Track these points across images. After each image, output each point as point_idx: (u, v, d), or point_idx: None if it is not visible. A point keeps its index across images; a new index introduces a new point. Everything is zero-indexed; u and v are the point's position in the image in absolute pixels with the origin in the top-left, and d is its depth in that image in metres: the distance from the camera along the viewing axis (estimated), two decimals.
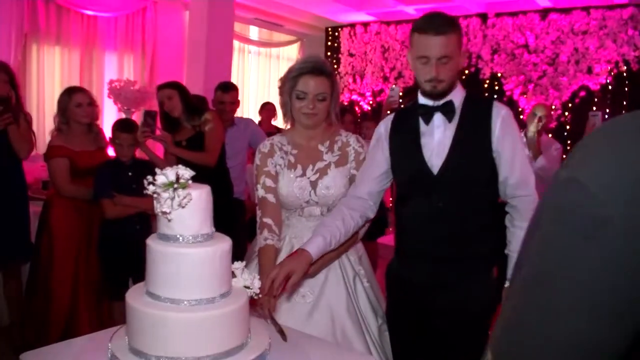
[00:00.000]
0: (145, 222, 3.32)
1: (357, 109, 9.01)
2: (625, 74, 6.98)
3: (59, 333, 3.18)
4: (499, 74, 7.88)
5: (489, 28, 7.91)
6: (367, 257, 2.35)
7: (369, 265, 2.32)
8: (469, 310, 2.01)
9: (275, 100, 6.76)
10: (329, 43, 9.64)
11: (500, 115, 1.98)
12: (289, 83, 2.16)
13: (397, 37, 8.76)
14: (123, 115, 4.34)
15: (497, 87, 7.94)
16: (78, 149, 3.35)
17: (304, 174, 2.20)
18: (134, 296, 1.35)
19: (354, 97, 9.25)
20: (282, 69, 9.47)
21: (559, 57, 7.36)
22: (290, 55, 9.61)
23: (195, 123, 3.55)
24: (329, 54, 9.66)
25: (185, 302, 1.29)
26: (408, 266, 2.11)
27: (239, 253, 3.88)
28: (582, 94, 7.24)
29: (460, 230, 1.99)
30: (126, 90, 4.22)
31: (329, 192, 2.18)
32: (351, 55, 9.32)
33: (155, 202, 1.32)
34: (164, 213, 1.28)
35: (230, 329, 1.32)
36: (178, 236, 1.32)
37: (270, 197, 2.18)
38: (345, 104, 9.39)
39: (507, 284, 1.94)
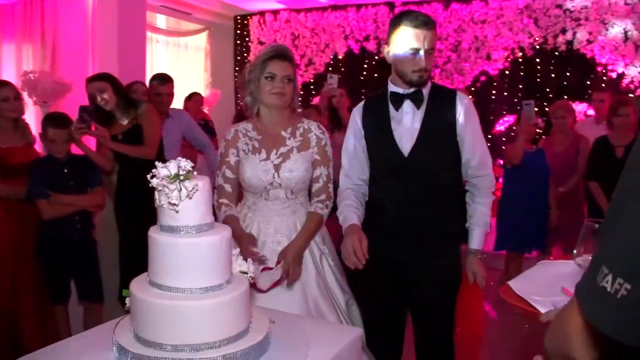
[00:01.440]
0: (86, 221, 3.20)
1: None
2: (520, 60, 7.54)
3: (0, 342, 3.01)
4: None
5: None
6: (329, 237, 2.49)
7: (332, 245, 2.47)
8: (440, 280, 2.20)
9: (185, 92, 6.68)
10: (238, 31, 9.56)
11: (463, 104, 2.19)
12: (258, 67, 2.32)
13: (307, 25, 8.87)
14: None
15: None
16: (5, 145, 3.16)
17: (267, 158, 2.34)
18: (141, 288, 1.36)
19: None
20: (191, 59, 9.31)
21: (461, 45, 7.81)
22: (199, 44, 9.42)
23: (131, 116, 3.44)
24: (238, 42, 9.59)
25: (196, 290, 1.32)
26: (379, 244, 2.21)
27: None
28: (483, 78, 7.74)
29: (430, 211, 2.17)
30: (43, 82, 3.99)
31: (292, 175, 2.32)
32: (261, 43, 9.30)
33: (158, 194, 1.33)
34: (173, 205, 1.30)
35: (238, 313, 1.37)
36: (183, 227, 1.34)
37: (228, 187, 2.38)
38: None
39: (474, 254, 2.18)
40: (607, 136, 4.36)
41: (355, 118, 2.33)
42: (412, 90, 2.17)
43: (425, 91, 2.20)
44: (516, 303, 1.38)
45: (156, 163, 1.35)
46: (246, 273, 1.52)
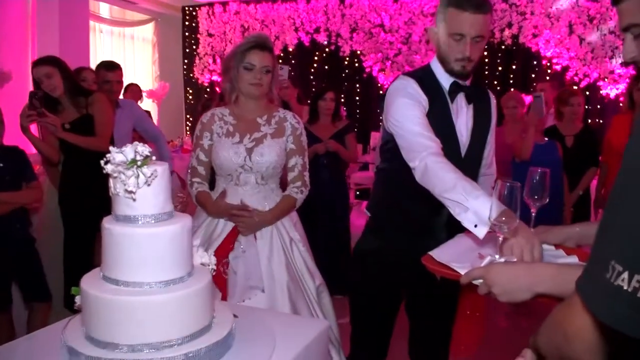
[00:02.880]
0: (24, 219, 2.96)
1: (217, 89, 8.87)
2: None
3: None
4: (358, 52, 8.23)
5: (347, 8, 8.20)
6: (301, 224, 2.49)
7: (303, 233, 2.47)
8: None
9: (132, 81, 6.44)
10: (187, 23, 9.34)
11: (493, 102, 2.10)
12: (237, 57, 2.33)
13: (257, 17, 8.75)
14: None
15: (357, 64, 8.29)
16: None
17: (240, 142, 2.36)
18: (93, 284, 1.25)
19: (215, 77, 9.09)
20: (138, 50, 9.03)
21: (411, 37, 7.86)
22: (145, 35, 9.15)
23: (81, 104, 3.24)
24: (186, 34, 9.37)
25: (156, 284, 1.23)
26: (386, 248, 2.09)
27: None
28: None
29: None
30: None
31: (263, 159, 2.33)
32: (210, 35, 9.13)
33: (113, 182, 1.23)
34: (130, 192, 1.20)
35: (200, 308, 1.28)
36: (141, 216, 1.24)
37: (201, 169, 2.42)
38: (205, 84, 9.21)
39: None
40: (556, 126, 4.46)
41: (413, 87, 1.91)
42: (468, 82, 1.96)
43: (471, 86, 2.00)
44: (438, 268, 1.41)
45: (110, 148, 1.25)
46: (207, 264, 1.44)
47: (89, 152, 3.12)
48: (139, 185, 1.20)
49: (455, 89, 1.95)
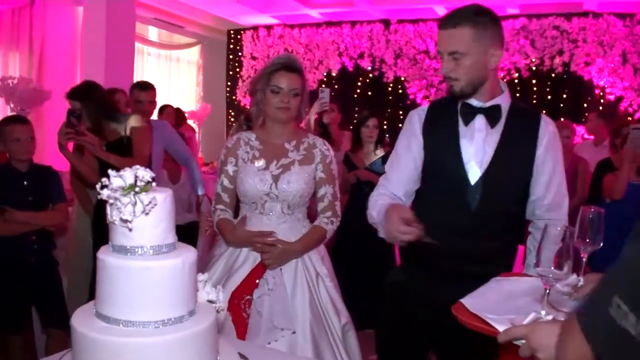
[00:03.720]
0: (45, 240, 2.86)
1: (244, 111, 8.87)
2: (516, 81, 7.42)
3: None
4: (402, 78, 8.09)
5: (391, 34, 8.11)
6: (329, 258, 2.35)
7: (331, 267, 2.32)
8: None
9: (174, 104, 6.47)
10: (231, 46, 9.43)
11: (547, 130, 1.84)
12: (264, 79, 2.22)
13: (300, 41, 8.74)
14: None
15: (400, 91, 8.15)
16: None
17: (267, 168, 2.23)
18: (83, 322, 1.14)
19: None
20: (183, 72, 9.15)
21: None
22: (191, 58, 9.28)
23: (118, 127, 3.16)
24: (231, 57, 9.46)
25: (152, 324, 1.10)
26: (413, 276, 1.94)
27: None
28: None
29: (479, 249, 1.80)
30: (21, 89, 3.78)
31: (290, 187, 2.20)
32: (254, 58, 9.17)
33: (110, 208, 1.12)
34: (125, 221, 1.09)
35: (202, 350, 1.15)
36: (138, 248, 1.13)
37: (225, 196, 2.30)
38: (248, 107, 9.24)
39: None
40: (610, 158, 4.21)
41: (414, 122, 1.94)
42: (488, 104, 1.81)
43: (504, 107, 1.83)
44: (470, 321, 1.26)
45: (109, 171, 1.14)
46: (214, 302, 1.31)
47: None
48: (135, 214, 1.09)
49: (467, 110, 1.83)
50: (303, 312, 2.11)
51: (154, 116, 4.96)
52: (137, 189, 1.11)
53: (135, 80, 7.32)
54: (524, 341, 1.06)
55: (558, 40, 7.22)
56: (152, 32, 8.44)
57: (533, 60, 7.32)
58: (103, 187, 1.12)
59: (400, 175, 1.96)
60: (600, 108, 6.89)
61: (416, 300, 1.92)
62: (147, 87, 3.93)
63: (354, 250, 4.06)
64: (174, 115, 5.89)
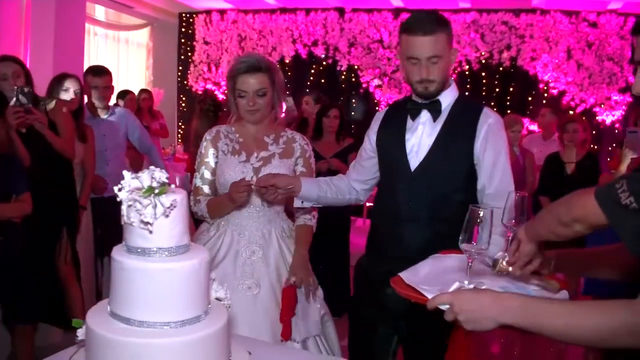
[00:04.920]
0: (10, 232, 2.70)
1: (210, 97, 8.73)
2: (467, 73, 7.64)
3: None
4: (356, 67, 8.17)
5: (346, 22, 8.15)
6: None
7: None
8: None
9: (124, 85, 6.32)
10: (183, 29, 9.22)
11: (487, 122, 1.95)
12: (229, 83, 2.25)
13: (254, 27, 8.65)
14: None
15: (354, 79, 8.23)
16: None
17: (247, 160, 2.25)
18: (100, 323, 1.13)
19: (209, 86, 8.98)
20: (132, 55, 8.89)
21: None
22: (140, 40, 9.01)
23: (40, 111, 3.02)
24: (182, 40, 9.25)
25: (172, 325, 1.12)
26: (372, 262, 2.08)
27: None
28: None
29: (431, 234, 1.93)
30: None
31: None
32: (206, 43, 9.01)
33: (127, 210, 1.12)
34: (146, 224, 1.09)
35: (219, 348, 1.18)
36: (157, 249, 1.13)
37: (206, 189, 2.29)
38: (200, 92, 9.09)
39: None
40: (559, 152, 4.43)
41: (374, 122, 2.17)
42: (430, 100, 1.97)
43: (446, 102, 1.98)
44: (406, 292, 1.41)
45: (124, 173, 1.14)
46: (222, 299, 1.33)
47: (53, 158, 3.04)
48: (156, 216, 1.10)
49: (413, 106, 2.01)
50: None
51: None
52: (156, 191, 1.11)
53: (85, 64, 7.11)
54: (448, 306, 1.19)
55: (506, 35, 7.46)
56: (99, 11, 8.13)
57: (483, 53, 7.55)
58: (120, 189, 1.12)
59: (359, 165, 2.21)
60: (544, 102, 7.20)
61: (376, 285, 2.03)
62: (102, 72, 3.79)
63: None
64: (135, 102, 5.72)
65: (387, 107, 2.22)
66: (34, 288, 2.78)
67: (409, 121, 2.03)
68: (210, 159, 2.28)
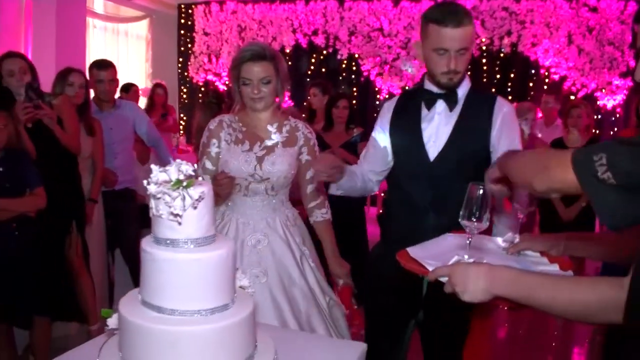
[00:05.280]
0: (25, 226, 2.79)
1: (212, 89, 8.74)
2: None
3: None
4: (356, 55, 8.17)
5: (345, 11, 8.14)
6: (310, 239, 2.41)
7: (312, 247, 2.40)
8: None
9: (123, 80, 6.32)
10: (182, 21, 9.21)
11: (502, 111, 2.00)
12: (234, 72, 2.25)
13: (254, 17, 8.64)
14: None
15: (354, 68, 8.24)
16: None
17: (250, 150, 2.26)
18: (133, 311, 1.17)
19: (210, 77, 8.98)
20: (132, 47, 8.88)
21: (410, 42, 7.82)
22: (139, 32, 9.00)
23: (46, 104, 3.06)
24: (182, 32, 9.25)
25: (202, 313, 1.15)
26: (388, 251, 2.10)
27: (130, 244, 3.55)
28: None
29: (448, 222, 1.89)
30: None
31: (274, 168, 2.25)
32: (206, 34, 9.00)
33: (156, 203, 1.15)
34: (176, 215, 1.13)
35: (246, 335, 1.22)
36: (186, 240, 1.17)
37: (207, 179, 2.25)
38: (200, 83, 9.10)
39: None
40: (563, 138, 4.46)
41: (386, 111, 2.16)
42: (445, 90, 2.00)
43: (462, 92, 2.02)
44: (409, 264, 1.46)
45: (152, 167, 1.17)
46: (245, 288, 1.36)
47: (57, 153, 3.08)
48: (184, 208, 1.13)
49: (429, 96, 2.03)
50: (294, 294, 2.19)
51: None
52: (184, 184, 1.14)
53: (86, 58, 7.10)
54: (447, 278, 1.25)
55: (507, 21, 7.45)
56: (98, 4, 8.12)
57: (483, 40, 7.54)
58: (148, 183, 1.15)
59: (372, 156, 2.19)
60: (545, 87, 7.22)
61: (394, 272, 2.05)
62: (106, 66, 3.82)
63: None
64: (138, 94, 5.73)
65: (398, 97, 2.22)
66: (48, 280, 2.83)
67: (424, 110, 2.05)
68: (212, 149, 2.30)
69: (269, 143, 2.28)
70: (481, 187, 1.47)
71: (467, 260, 1.41)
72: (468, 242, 1.50)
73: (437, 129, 2.01)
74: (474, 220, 1.45)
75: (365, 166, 2.20)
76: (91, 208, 3.44)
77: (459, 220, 1.50)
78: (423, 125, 2.04)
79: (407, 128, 2.08)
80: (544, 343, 3.99)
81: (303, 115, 4.71)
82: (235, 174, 2.22)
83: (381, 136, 2.16)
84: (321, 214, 2.38)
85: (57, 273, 2.99)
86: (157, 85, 6.23)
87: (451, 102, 2.01)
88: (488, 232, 1.92)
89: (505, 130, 1.99)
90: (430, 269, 1.36)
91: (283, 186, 2.31)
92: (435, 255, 1.49)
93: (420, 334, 2.18)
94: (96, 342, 1.36)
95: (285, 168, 2.26)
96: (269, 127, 2.31)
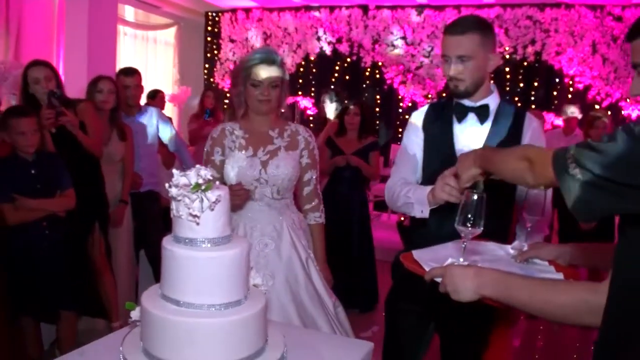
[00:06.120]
0: (55, 225, 2.93)
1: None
2: None
3: None
4: (380, 63, 8.25)
5: (370, 19, 8.23)
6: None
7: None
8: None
9: (151, 86, 6.50)
10: (209, 28, 9.41)
11: (531, 126, 2.05)
12: (244, 73, 2.31)
13: (279, 24, 8.79)
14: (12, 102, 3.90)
15: (378, 76, 8.31)
16: None
17: (254, 155, 2.34)
18: (154, 305, 1.27)
19: None
20: (160, 54, 9.10)
21: (433, 50, 7.88)
22: (167, 39, 9.22)
23: (72, 110, 3.19)
24: (208, 39, 9.44)
25: (217, 307, 1.25)
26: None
27: (154, 244, 3.65)
28: None
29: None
30: (15, 73, 3.77)
31: (279, 171, 2.32)
32: (232, 41, 9.18)
33: (176, 204, 1.26)
34: (194, 217, 1.23)
35: (258, 329, 1.31)
36: (202, 240, 1.27)
37: None
38: (226, 89, 9.27)
39: None
40: None
41: (416, 121, 2.18)
42: (478, 103, 2.02)
43: (493, 106, 2.04)
44: (412, 265, 1.52)
45: (174, 171, 1.27)
46: (258, 286, 1.46)
47: (79, 157, 3.18)
48: (202, 210, 1.23)
49: (460, 109, 2.05)
50: (301, 295, 2.26)
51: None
52: (202, 187, 1.24)
53: (116, 64, 7.30)
54: (441, 279, 1.33)
55: (531, 30, 7.46)
56: (129, 12, 8.36)
57: (507, 49, 7.56)
58: (170, 186, 1.25)
59: (408, 165, 2.18)
60: (569, 96, 7.20)
61: (416, 280, 2.10)
62: (132, 72, 3.96)
63: (332, 230, 4.21)
64: (164, 101, 5.90)
65: (427, 109, 2.22)
66: (75, 277, 2.97)
67: (455, 123, 2.07)
68: (216, 157, 2.37)
69: (271, 148, 2.36)
70: (476, 192, 1.51)
71: (462, 263, 1.47)
72: (463, 246, 1.54)
73: (469, 141, 2.04)
74: (469, 225, 1.49)
75: (402, 175, 2.18)
76: (122, 209, 3.58)
77: (455, 225, 1.53)
78: (455, 138, 2.07)
79: (439, 140, 2.10)
80: (563, 353, 4.00)
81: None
82: (241, 180, 2.29)
83: (416, 147, 2.16)
84: (314, 218, 2.47)
85: (82, 270, 3.12)
86: (207, 89, 6.48)
87: (482, 115, 2.04)
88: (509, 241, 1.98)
89: (535, 144, 2.02)
90: (426, 268, 1.43)
91: (288, 189, 2.39)
92: (437, 258, 1.54)
93: (440, 339, 2.23)
94: (120, 333, 1.46)
95: (289, 171, 2.34)
96: (271, 132, 2.38)
